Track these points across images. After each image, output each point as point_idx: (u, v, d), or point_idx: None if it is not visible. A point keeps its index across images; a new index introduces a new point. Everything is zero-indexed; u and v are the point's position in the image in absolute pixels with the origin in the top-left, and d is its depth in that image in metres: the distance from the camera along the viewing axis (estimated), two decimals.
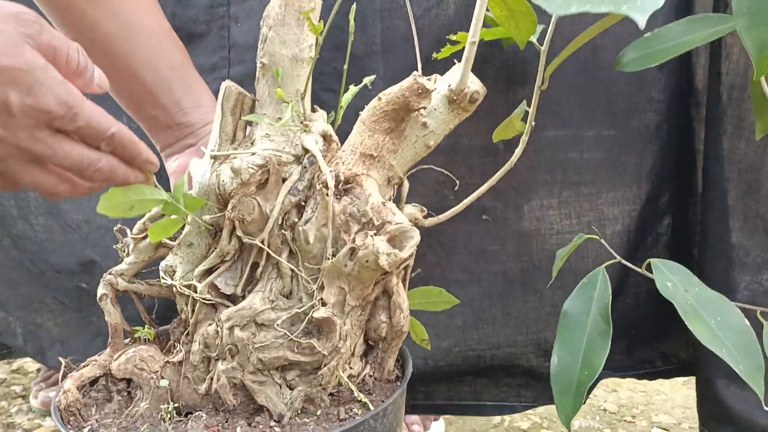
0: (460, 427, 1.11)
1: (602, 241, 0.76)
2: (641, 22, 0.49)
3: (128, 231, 0.72)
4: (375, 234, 0.62)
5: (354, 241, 0.63)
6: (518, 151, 0.75)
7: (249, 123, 0.66)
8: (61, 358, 0.71)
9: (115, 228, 0.72)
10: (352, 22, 0.61)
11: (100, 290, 0.71)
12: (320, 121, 0.65)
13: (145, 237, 0.71)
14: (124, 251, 0.72)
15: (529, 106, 0.75)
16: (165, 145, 0.79)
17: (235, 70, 0.88)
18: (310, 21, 0.59)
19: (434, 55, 0.79)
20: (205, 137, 0.77)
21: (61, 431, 0.61)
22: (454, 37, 0.77)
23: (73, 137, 0.56)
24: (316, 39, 0.62)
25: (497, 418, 1.13)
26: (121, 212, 0.60)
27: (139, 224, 0.71)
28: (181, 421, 0.65)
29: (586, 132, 0.96)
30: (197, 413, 0.66)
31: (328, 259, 0.63)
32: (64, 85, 0.53)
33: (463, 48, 0.65)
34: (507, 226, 0.97)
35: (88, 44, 0.72)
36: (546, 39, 0.72)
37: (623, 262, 0.75)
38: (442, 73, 0.71)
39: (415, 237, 0.63)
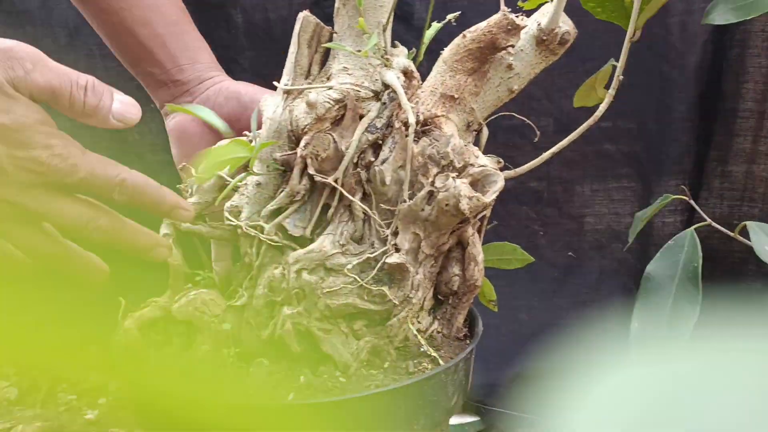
0: None
1: (691, 201, 0.71)
2: None
3: (192, 170, 0.69)
4: (456, 176, 0.59)
5: (433, 183, 0.59)
6: (603, 106, 0.70)
7: (325, 58, 0.63)
8: (121, 298, 0.68)
9: (179, 166, 0.70)
10: None
11: (162, 230, 0.68)
12: (401, 56, 0.61)
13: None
14: (187, 191, 0.69)
15: (617, 60, 0.71)
16: (162, 102, 0.79)
17: None
18: None
19: (520, 3, 0.74)
20: (201, 94, 0.77)
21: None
22: None
23: (75, 195, 0.52)
24: None
25: None
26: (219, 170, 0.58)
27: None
28: (242, 367, 0.63)
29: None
30: (259, 359, 0.63)
31: (405, 202, 0.60)
32: (59, 136, 0.49)
33: None
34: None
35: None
36: None
37: (714, 224, 0.70)
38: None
39: (499, 181, 0.60)
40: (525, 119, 0.69)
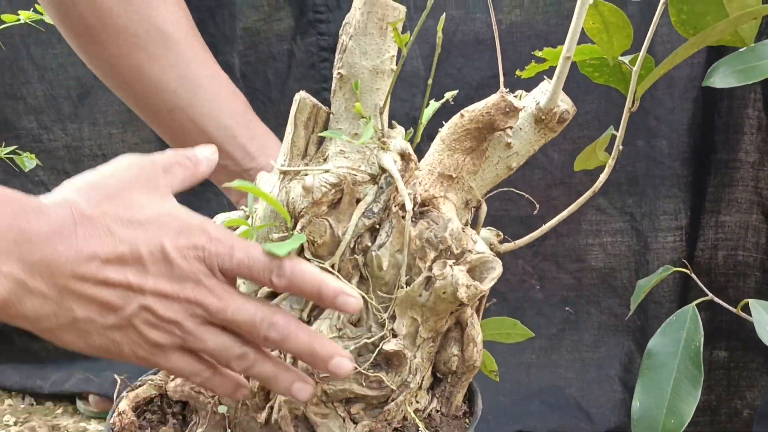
0: None
1: (693, 275, 0.70)
2: None
3: None
4: (454, 263, 0.58)
5: (431, 269, 0.58)
6: (603, 177, 0.70)
7: (322, 138, 0.62)
8: (116, 376, 0.68)
9: None
10: (440, 33, 0.57)
11: None
12: (399, 138, 0.61)
13: None
14: None
15: (616, 129, 0.70)
16: (239, 196, 0.79)
17: None
18: (396, 32, 0.55)
19: (518, 72, 0.74)
20: None
21: None
22: (540, 54, 0.72)
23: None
24: (399, 51, 0.58)
25: None
26: None
27: None
28: None
29: None
30: None
31: (402, 287, 0.59)
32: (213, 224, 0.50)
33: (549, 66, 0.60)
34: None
35: (154, 106, 0.70)
36: (639, 58, 0.67)
37: (716, 300, 0.69)
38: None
39: (498, 268, 0.59)
40: (524, 194, 0.69)
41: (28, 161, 0.73)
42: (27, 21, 0.74)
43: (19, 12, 0.73)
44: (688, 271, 0.70)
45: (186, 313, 0.48)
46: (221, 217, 0.69)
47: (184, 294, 0.47)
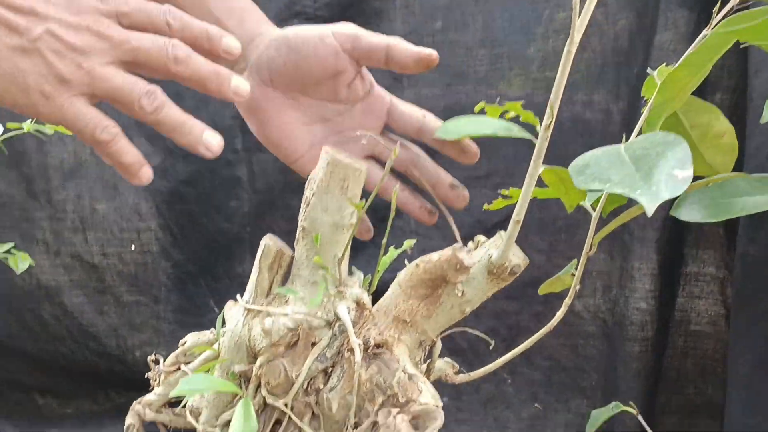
0: None
1: (639, 417, 0.73)
2: (649, 210, 0.48)
3: (161, 360, 0.73)
4: (398, 413, 0.61)
5: (377, 415, 0.62)
6: (559, 314, 0.73)
7: (286, 277, 0.67)
8: None
9: (149, 358, 0.74)
10: (394, 203, 0.61)
11: (128, 420, 0.72)
12: (355, 286, 0.65)
13: (177, 370, 0.72)
14: (155, 380, 0.73)
15: (576, 268, 0.73)
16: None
17: None
18: (350, 201, 0.59)
19: (485, 206, 0.78)
20: (254, 56, 0.73)
21: None
22: (506, 192, 0.75)
23: None
24: (358, 213, 0.62)
25: None
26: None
27: (171, 357, 0.72)
28: None
29: None
30: None
31: (350, 429, 0.63)
32: None
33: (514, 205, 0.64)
34: None
35: None
36: (598, 207, 0.70)
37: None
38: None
39: (439, 419, 0.62)
40: (479, 333, 0.72)
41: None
42: (29, 130, 0.79)
43: (23, 124, 0.78)
44: (635, 412, 0.73)
45: (92, 44, 0.51)
46: (191, 337, 0.73)
47: (86, 23, 0.51)
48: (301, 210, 0.64)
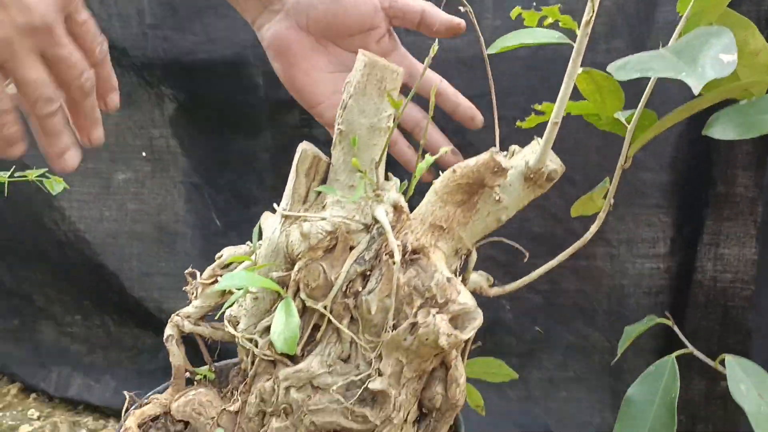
0: None
1: (674, 327, 0.73)
2: (695, 88, 0.48)
3: (198, 274, 0.74)
4: (437, 312, 0.62)
5: (416, 316, 0.62)
6: (594, 228, 0.73)
7: (322, 184, 0.67)
8: (126, 393, 0.73)
9: (186, 271, 0.74)
10: (432, 99, 0.61)
11: (167, 331, 0.73)
12: (392, 190, 0.65)
13: (214, 282, 0.73)
14: (192, 294, 0.74)
15: (610, 183, 0.73)
16: (254, 16, 0.78)
17: None
18: (390, 98, 0.59)
19: (518, 123, 0.77)
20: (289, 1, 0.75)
21: None
22: (539, 107, 0.75)
23: None
24: (395, 114, 0.62)
25: None
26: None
27: (208, 270, 0.73)
28: None
29: None
30: None
31: (389, 331, 0.63)
32: None
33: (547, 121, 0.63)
34: None
35: None
36: (633, 118, 0.70)
37: (696, 353, 0.71)
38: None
39: (478, 318, 0.62)
40: (514, 244, 0.72)
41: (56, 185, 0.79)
42: (33, 179, 0.79)
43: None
44: (670, 323, 0.73)
45: (22, 29, 0.51)
46: (228, 251, 0.73)
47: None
48: (337, 114, 0.64)
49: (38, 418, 1.21)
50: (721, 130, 0.71)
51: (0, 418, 1.19)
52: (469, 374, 0.70)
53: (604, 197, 0.75)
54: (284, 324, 0.58)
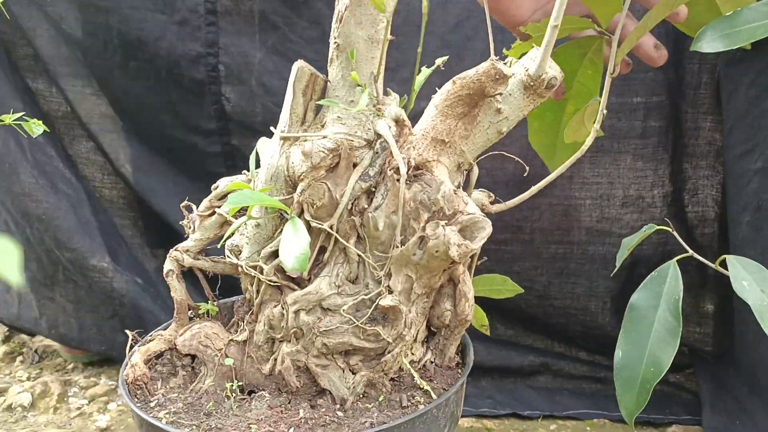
0: None
1: (674, 233, 0.74)
2: None
3: (194, 207, 0.72)
4: (446, 224, 0.61)
5: (424, 229, 0.62)
6: (589, 140, 0.72)
7: (320, 105, 0.65)
8: (128, 332, 0.72)
9: (181, 204, 0.73)
10: (425, 2, 0.59)
11: (167, 266, 0.71)
12: (393, 105, 0.64)
13: (212, 214, 0.71)
14: (189, 227, 0.72)
15: (600, 94, 0.72)
16: None
17: None
18: (375, 1, 0.56)
19: (505, 51, 0.76)
20: None
21: (129, 405, 0.63)
22: (525, 29, 0.74)
23: None
24: (387, 19, 0.60)
25: None
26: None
27: (205, 202, 0.71)
28: (244, 399, 0.66)
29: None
30: (260, 393, 0.66)
31: (397, 247, 0.62)
32: None
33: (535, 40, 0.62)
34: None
35: None
36: (618, 27, 0.69)
37: (696, 256, 0.72)
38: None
39: (487, 228, 0.62)
40: (515, 158, 0.72)
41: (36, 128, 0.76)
42: (9, 123, 0.75)
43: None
44: (670, 229, 0.74)
45: None
46: (224, 181, 0.72)
47: None
48: (332, 28, 0.62)
49: (28, 379, 1.19)
50: (709, 42, 0.71)
51: None
52: (474, 292, 0.70)
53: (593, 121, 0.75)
54: (294, 243, 0.57)
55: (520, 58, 0.67)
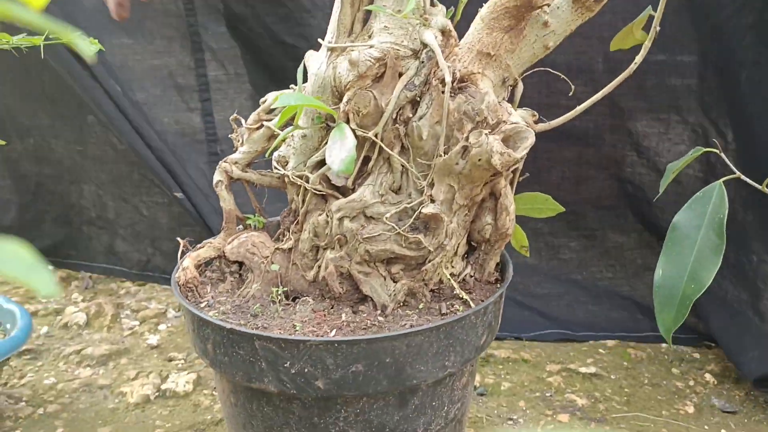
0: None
1: (722, 154, 0.73)
2: None
3: (243, 121, 0.74)
4: (489, 133, 0.62)
5: (467, 139, 0.63)
6: (639, 58, 0.72)
7: (367, 16, 0.66)
8: (179, 239, 0.75)
9: (231, 117, 0.75)
10: None
11: (216, 177, 0.73)
12: (440, 15, 0.64)
13: (260, 127, 0.73)
14: (238, 141, 0.74)
15: (655, 9, 0.71)
16: None
17: None
18: None
19: None
20: None
21: (182, 303, 0.66)
22: None
23: None
24: None
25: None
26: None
27: (253, 115, 0.73)
28: (289, 304, 0.69)
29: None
30: (304, 298, 0.69)
31: (440, 156, 0.63)
32: None
33: None
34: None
35: None
36: None
37: (743, 177, 0.72)
38: None
39: (530, 138, 0.63)
40: (560, 75, 0.72)
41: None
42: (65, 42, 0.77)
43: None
44: (717, 151, 0.73)
45: None
46: (272, 95, 0.73)
47: None
48: None
49: (82, 301, 1.24)
50: None
51: (45, 302, 1.23)
52: (516, 211, 0.71)
53: (644, 29, 0.74)
54: (340, 146, 0.58)
55: None
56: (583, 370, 1.02)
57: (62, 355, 1.06)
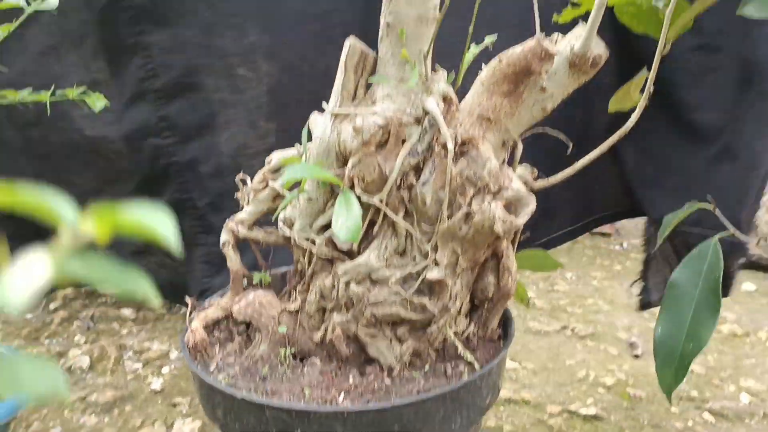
0: (544, 379, 1.14)
1: (717, 212, 0.74)
2: None
3: (249, 180, 0.75)
4: (492, 199, 0.63)
5: (470, 205, 0.64)
6: (635, 115, 0.73)
7: (369, 82, 0.67)
8: (187, 298, 0.76)
9: (237, 177, 0.76)
10: None
11: (223, 237, 0.75)
12: (441, 82, 0.65)
13: (266, 187, 0.74)
14: (244, 200, 0.75)
15: (649, 70, 0.73)
16: None
17: None
18: None
19: (555, 17, 0.77)
20: None
21: (192, 370, 0.66)
22: (576, 0, 0.74)
23: None
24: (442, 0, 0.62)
25: (582, 373, 1.15)
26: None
27: (259, 175, 0.74)
28: (296, 365, 0.70)
29: None
30: (312, 359, 0.70)
31: (444, 221, 0.65)
32: None
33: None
34: None
35: None
36: (671, 2, 0.69)
37: (737, 234, 0.73)
38: None
39: (531, 204, 0.64)
40: (559, 134, 0.73)
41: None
42: (73, 98, 0.79)
43: None
44: (711, 207, 0.75)
45: None
46: (277, 155, 0.75)
47: None
48: (383, 6, 0.64)
49: (85, 343, 1.25)
50: (757, 7, 0.71)
51: (48, 345, 1.24)
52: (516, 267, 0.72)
53: (641, 91, 0.75)
54: (346, 214, 0.59)
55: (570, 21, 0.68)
56: (583, 411, 1.03)
57: (67, 401, 1.06)
